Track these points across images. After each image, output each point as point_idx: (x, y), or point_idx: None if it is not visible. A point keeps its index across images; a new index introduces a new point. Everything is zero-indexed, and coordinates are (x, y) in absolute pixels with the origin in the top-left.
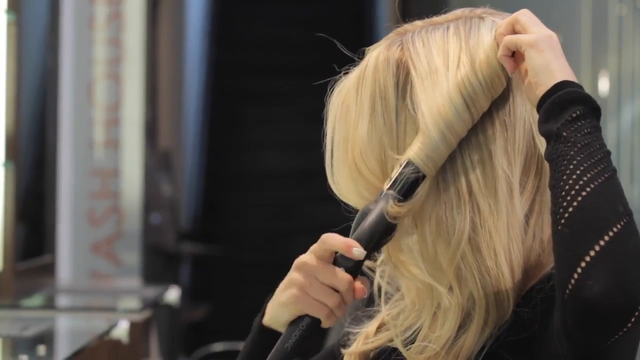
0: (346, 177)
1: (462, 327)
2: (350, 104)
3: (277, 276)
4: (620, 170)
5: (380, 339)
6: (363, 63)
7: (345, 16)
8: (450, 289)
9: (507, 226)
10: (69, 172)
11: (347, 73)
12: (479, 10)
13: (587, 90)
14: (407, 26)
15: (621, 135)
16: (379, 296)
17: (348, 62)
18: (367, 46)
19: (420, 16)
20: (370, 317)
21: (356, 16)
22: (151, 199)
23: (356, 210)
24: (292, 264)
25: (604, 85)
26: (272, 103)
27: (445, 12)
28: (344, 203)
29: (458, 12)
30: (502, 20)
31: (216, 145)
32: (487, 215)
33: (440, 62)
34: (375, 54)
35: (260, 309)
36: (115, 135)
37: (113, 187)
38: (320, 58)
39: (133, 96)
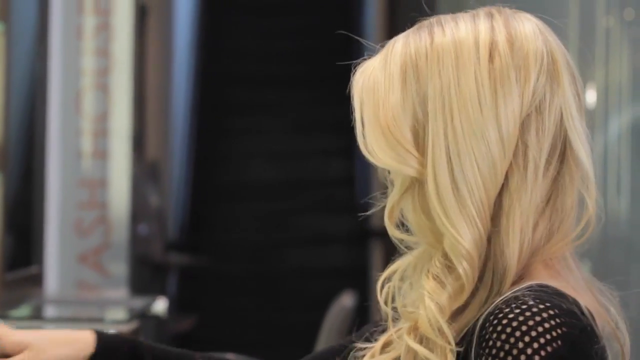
0: (381, 144)
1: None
2: (377, 77)
3: (265, 287)
4: (607, 183)
5: (385, 358)
6: (388, 46)
7: (332, 27)
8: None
9: (529, 206)
10: (56, 182)
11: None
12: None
13: None
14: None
15: (608, 147)
16: (387, 315)
17: (336, 73)
18: (355, 57)
19: (408, 27)
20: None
21: (343, 27)
22: (138, 210)
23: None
24: (280, 275)
25: (591, 97)
26: (259, 114)
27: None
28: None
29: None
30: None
31: (204, 156)
32: (513, 190)
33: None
34: (402, 38)
35: (247, 319)
36: (103, 145)
37: (100, 198)
38: (308, 69)
39: (121, 107)
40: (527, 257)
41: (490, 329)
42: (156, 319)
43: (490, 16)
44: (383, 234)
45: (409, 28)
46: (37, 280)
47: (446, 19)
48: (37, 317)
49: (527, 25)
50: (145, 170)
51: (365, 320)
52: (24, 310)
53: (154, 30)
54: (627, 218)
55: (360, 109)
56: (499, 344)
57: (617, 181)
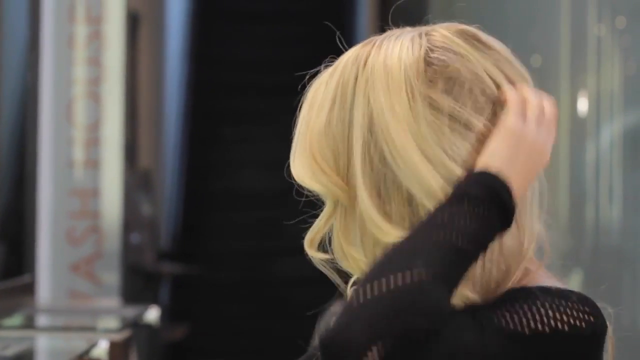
0: (304, 163)
1: None
2: (318, 94)
3: (257, 295)
4: (600, 191)
5: None
6: (338, 61)
7: (324, 36)
8: None
9: None
10: (48, 191)
11: (327, 66)
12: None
13: (566, 110)
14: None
15: (600, 155)
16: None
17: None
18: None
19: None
20: None
21: (337, 34)
22: (131, 219)
23: (310, 191)
24: (272, 283)
25: (582, 105)
26: (251, 122)
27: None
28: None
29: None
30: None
31: (196, 165)
32: None
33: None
34: (350, 53)
35: (240, 327)
36: (94, 155)
37: (92, 207)
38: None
39: (113, 116)
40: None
41: (526, 299)
42: (148, 327)
43: (418, 37)
44: None
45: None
46: (29, 289)
47: (390, 37)
48: (29, 326)
49: (400, 49)
50: (138, 179)
51: None
52: (16, 320)
53: (146, 39)
54: (619, 226)
55: (300, 123)
56: (536, 305)
57: (609, 189)
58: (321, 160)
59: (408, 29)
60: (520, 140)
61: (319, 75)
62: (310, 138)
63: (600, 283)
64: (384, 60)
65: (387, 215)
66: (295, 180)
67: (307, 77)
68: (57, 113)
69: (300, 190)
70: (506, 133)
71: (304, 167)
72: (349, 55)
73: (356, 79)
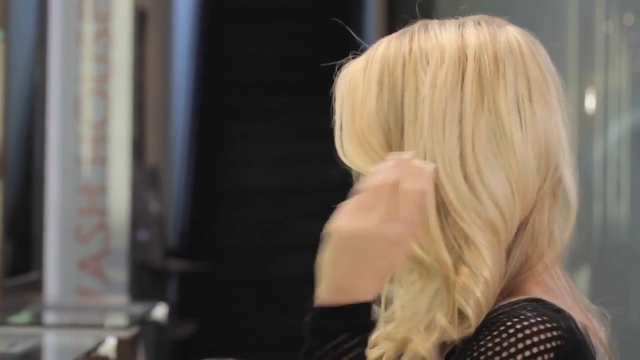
0: (357, 149)
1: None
2: (357, 81)
3: (264, 293)
4: (607, 188)
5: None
6: (371, 49)
7: (332, 33)
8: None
9: None
10: (56, 188)
11: (354, 58)
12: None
13: (574, 107)
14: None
15: (608, 152)
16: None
17: (336, 79)
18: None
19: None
20: None
21: (344, 32)
22: (138, 216)
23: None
24: (279, 281)
25: (590, 102)
26: (259, 119)
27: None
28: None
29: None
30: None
31: (203, 162)
32: None
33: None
34: (385, 42)
35: (247, 325)
36: (102, 152)
37: (100, 204)
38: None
39: (120, 113)
40: (515, 271)
41: (486, 332)
42: (156, 325)
43: (477, 24)
44: None
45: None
46: (37, 286)
47: (432, 24)
48: (37, 323)
49: (510, 37)
50: (145, 176)
51: None
52: (24, 317)
53: (154, 35)
54: (627, 223)
55: (340, 111)
56: (490, 345)
57: (616, 186)
58: (374, 141)
59: (438, 20)
60: (356, 242)
61: (345, 66)
62: (360, 122)
63: (608, 280)
64: (436, 42)
65: None
66: (344, 167)
67: (337, 68)
68: (65, 110)
69: (308, 188)
70: (335, 238)
71: (356, 150)
72: (387, 43)
73: (404, 63)
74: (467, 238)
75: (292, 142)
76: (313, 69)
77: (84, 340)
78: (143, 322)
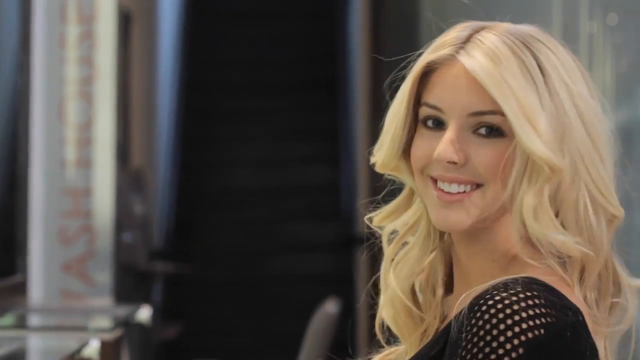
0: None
1: None
2: (518, 79)
3: (250, 294)
4: None
5: None
6: (510, 45)
7: (317, 35)
8: None
9: None
10: (40, 191)
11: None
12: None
13: None
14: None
15: None
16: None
17: (321, 80)
18: (340, 63)
19: (394, 36)
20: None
21: (328, 34)
22: (123, 218)
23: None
24: (265, 282)
25: None
26: (244, 121)
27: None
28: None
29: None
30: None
31: (188, 164)
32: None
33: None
34: (507, 47)
35: (232, 327)
36: (86, 154)
37: (84, 206)
38: (293, 76)
39: (105, 115)
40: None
41: (476, 308)
42: (141, 327)
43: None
44: (367, 240)
45: (392, 35)
46: (21, 289)
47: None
48: (21, 326)
49: None
50: (130, 179)
51: (347, 327)
52: (8, 319)
53: (138, 38)
54: None
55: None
56: (480, 322)
57: None
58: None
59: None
60: None
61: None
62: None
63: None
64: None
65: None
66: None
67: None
68: (49, 113)
69: (293, 189)
70: None
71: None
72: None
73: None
74: None
75: (278, 144)
76: (298, 71)
77: (68, 342)
78: (127, 324)
